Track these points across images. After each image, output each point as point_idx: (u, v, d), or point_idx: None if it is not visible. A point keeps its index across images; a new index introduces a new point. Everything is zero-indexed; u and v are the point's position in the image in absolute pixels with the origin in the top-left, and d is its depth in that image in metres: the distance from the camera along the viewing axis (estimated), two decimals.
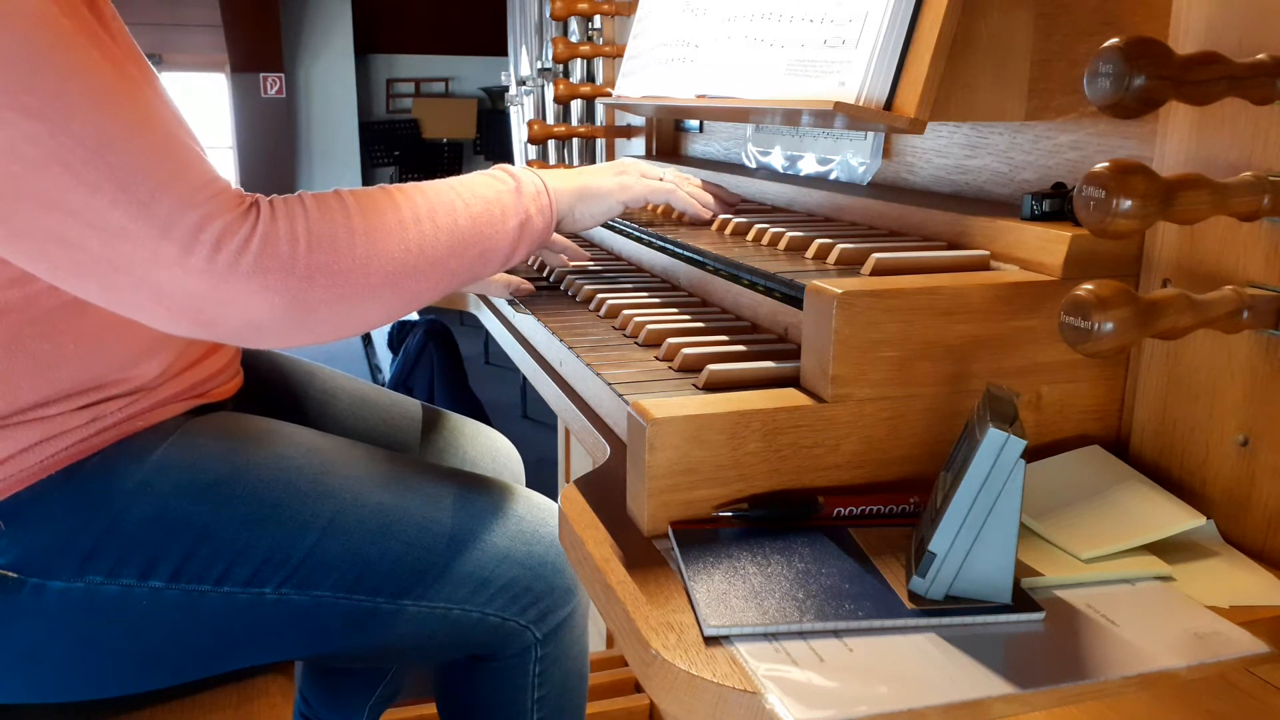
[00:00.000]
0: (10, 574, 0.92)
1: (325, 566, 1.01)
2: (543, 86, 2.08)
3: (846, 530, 0.72)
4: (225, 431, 1.04)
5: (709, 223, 1.20)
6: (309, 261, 0.84)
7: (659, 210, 1.38)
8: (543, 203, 1.02)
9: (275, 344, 0.88)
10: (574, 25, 1.85)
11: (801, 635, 0.60)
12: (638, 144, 1.79)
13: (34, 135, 0.77)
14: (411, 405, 1.40)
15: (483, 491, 1.14)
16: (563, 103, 1.87)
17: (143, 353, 0.99)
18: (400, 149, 8.47)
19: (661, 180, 1.17)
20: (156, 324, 0.85)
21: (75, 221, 0.79)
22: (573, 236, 1.48)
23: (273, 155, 7.88)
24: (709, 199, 1.22)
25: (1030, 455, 0.64)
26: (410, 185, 0.96)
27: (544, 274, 1.36)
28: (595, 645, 2.24)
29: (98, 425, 0.97)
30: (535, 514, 1.15)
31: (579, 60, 1.86)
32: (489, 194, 0.98)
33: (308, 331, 0.87)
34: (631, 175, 1.14)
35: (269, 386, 1.30)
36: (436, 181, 0.98)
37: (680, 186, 1.19)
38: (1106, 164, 0.61)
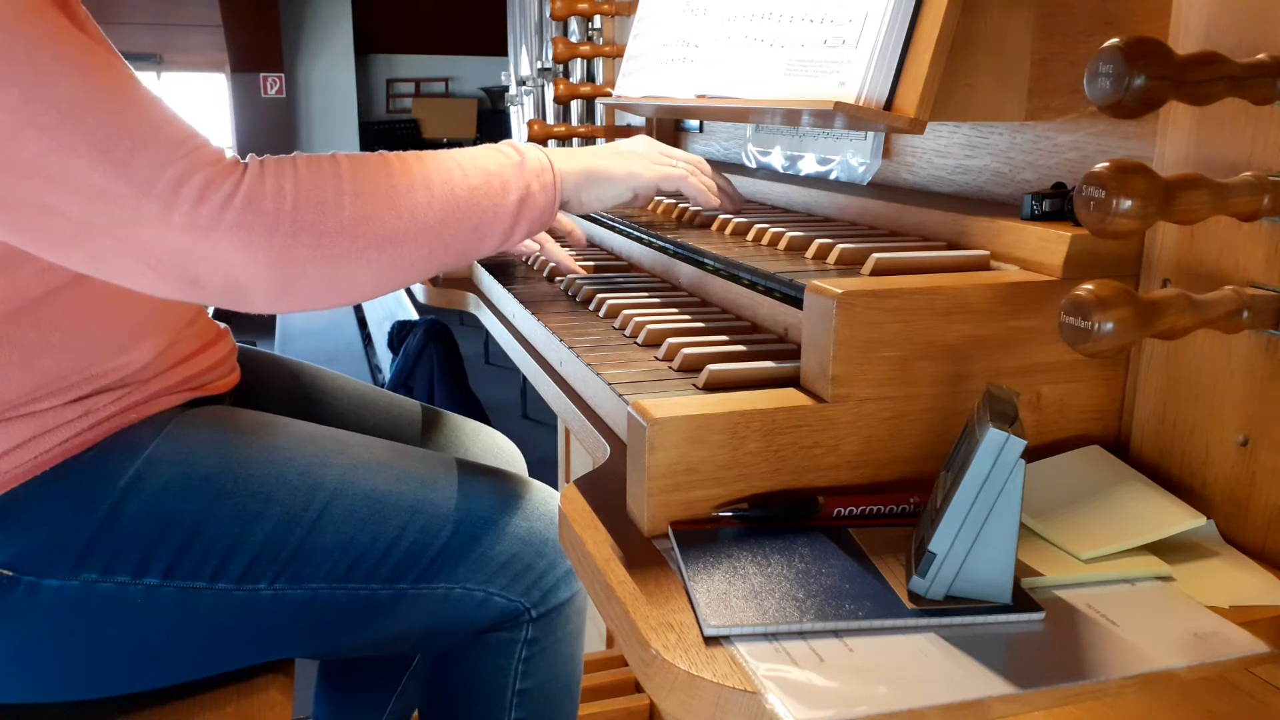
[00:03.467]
0: (5, 572, 0.92)
1: (317, 558, 1.00)
2: (543, 86, 2.08)
3: (846, 530, 0.72)
4: (218, 425, 1.04)
5: (714, 217, 1.19)
6: (294, 220, 0.83)
7: (659, 210, 1.38)
8: (546, 180, 0.99)
9: (263, 306, 0.86)
10: (574, 25, 1.85)
11: (801, 635, 0.60)
12: None
13: (6, 102, 0.77)
14: (411, 406, 1.40)
15: (478, 475, 1.12)
16: (563, 103, 1.87)
17: (130, 340, 0.99)
18: (400, 149, 8.43)
19: (674, 165, 1.12)
20: (144, 287, 0.84)
21: (54, 186, 0.79)
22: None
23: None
24: (721, 186, 1.18)
25: (1030, 455, 0.64)
26: (410, 153, 0.94)
27: (543, 273, 1.36)
28: (595, 645, 2.24)
29: (90, 420, 0.96)
30: (535, 494, 1.14)
31: (579, 60, 1.86)
32: (490, 166, 0.96)
33: (294, 294, 0.86)
34: (642, 161, 1.09)
35: (267, 386, 1.29)
36: (439, 151, 0.96)
37: (693, 173, 1.14)
38: (1106, 164, 0.61)
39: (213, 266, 0.82)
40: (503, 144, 1.01)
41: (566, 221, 1.31)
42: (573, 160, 1.04)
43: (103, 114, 0.79)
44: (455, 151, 0.96)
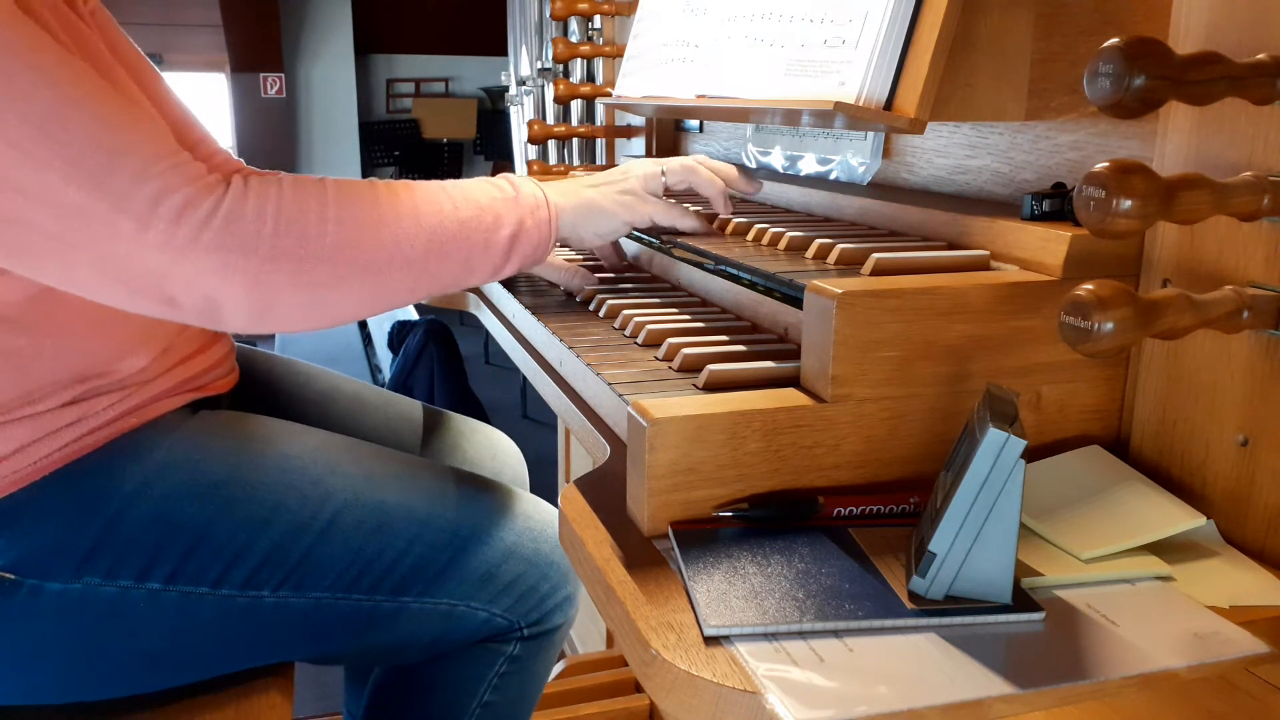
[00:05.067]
0: (7, 575, 0.92)
1: (323, 567, 1.00)
2: (543, 86, 2.09)
3: (846, 530, 0.72)
4: (229, 432, 1.04)
5: (715, 215, 1.17)
6: (273, 244, 0.82)
7: None
8: (541, 216, 0.98)
9: (239, 328, 0.86)
10: (574, 25, 1.85)
11: (801, 635, 0.60)
12: (638, 144, 1.79)
13: None
14: (410, 406, 1.40)
15: (488, 491, 1.13)
16: (563, 103, 1.87)
17: (128, 345, 0.98)
18: (400, 149, 8.47)
19: (670, 204, 1.10)
20: (118, 303, 0.84)
21: (26, 200, 0.77)
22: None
23: (273, 155, 7.87)
24: (719, 202, 1.14)
25: (1030, 455, 0.64)
26: (401, 182, 0.93)
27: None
28: (596, 645, 2.24)
29: (90, 423, 0.96)
30: (542, 514, 1.14)
31: (579, 60, 1.86)
32: (483, 200, 0.95)
33: (271, 317, 0.85)
34: (638, 195, 1.08)
35: (265, 387, 1.29)
36: (432, 182, 0.95)
37: (686, 213, 1.11)
38: (1106, 164, 0.61)
39: (188, 287, 0.81)
40: (498, 177, 1.00)
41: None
42: (569, 194, 1.03)
43: (77, 127, 0.78)
44: (448, 183, 0.96)
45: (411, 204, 0.90)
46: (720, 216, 1.18)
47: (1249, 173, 0.68)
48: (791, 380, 0.78)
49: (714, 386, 0.81)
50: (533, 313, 1.13)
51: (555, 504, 1.15)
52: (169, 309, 0.83)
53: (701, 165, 1.13)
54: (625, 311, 1.05)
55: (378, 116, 8.71)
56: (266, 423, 1.08)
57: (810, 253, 0.96)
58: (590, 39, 1.85)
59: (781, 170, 1.38)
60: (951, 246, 0.92)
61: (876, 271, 0.82)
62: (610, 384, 0.86)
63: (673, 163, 1.13)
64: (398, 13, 8.44)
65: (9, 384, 0.92)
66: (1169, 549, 0.71)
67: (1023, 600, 0.64)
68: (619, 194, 1.07)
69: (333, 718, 1.94)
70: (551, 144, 1.98)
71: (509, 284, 1.31)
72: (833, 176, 1.27)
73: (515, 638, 1.11)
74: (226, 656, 1.04)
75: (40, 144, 0.77)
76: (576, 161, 1.94)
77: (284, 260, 0.82)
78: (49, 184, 0.77)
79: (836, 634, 0.61)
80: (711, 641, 0.59)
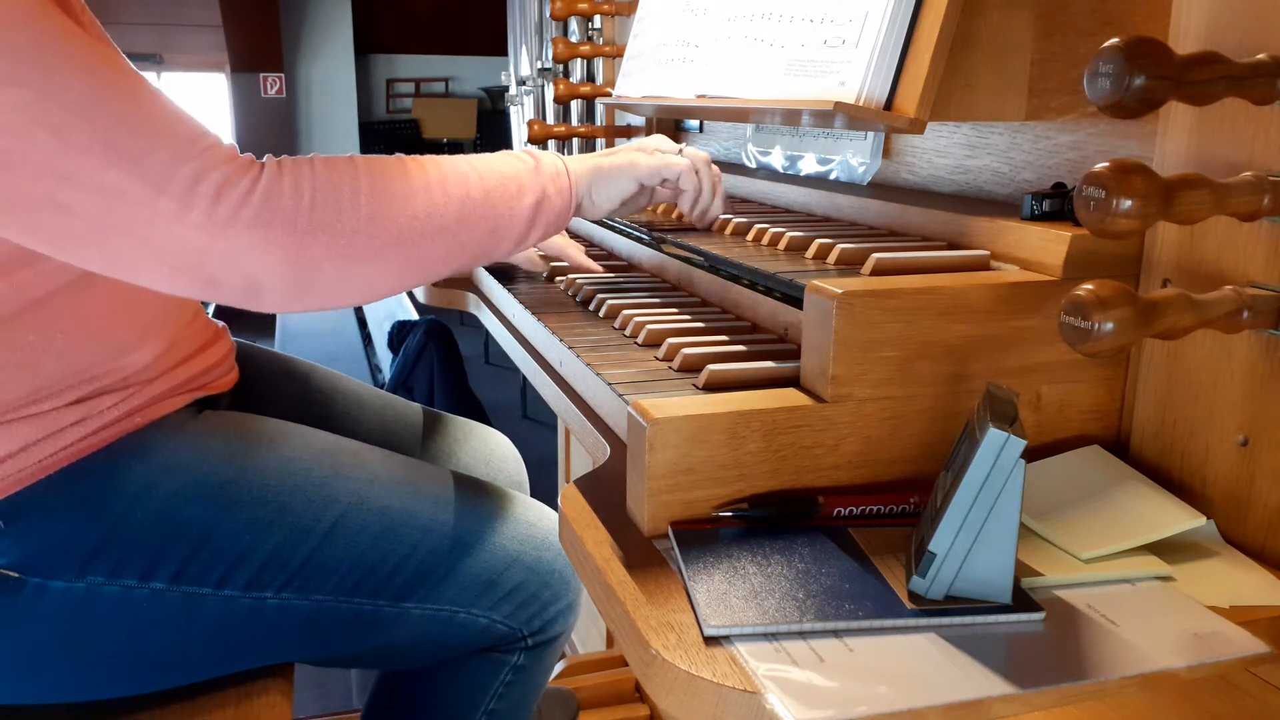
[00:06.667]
0: (11, 574, 0.92)
1: (326, 570, 1.00)
2: (543, 86, 2.09)
3: (846, 530, 0.72)
4: (235, 433, 1.04)
5: (709, 227, 1.17)
6: (311, 218, 0.83)
7: (659, 210, 1.38)
8: (562, 184, 1.00)
9: (279, 305, 0.86)
10: (574, 25, 1.85)
11: (801, 635, 0.60)
12: None
13: (18, 103, 0.76)
14: (408, 408, 1.40)
15: (491, 497, 1.13)
16: (563, 103, 1.87)
17: (132, 342, 0.99)
18: (400, 149, 8.40)
19: (676, 154, 1.10)
20: (161, 286, 0.84)
21: (69, 186, 0.78)
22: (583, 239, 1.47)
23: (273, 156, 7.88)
24: (719, 190, 1.12)
25: (1030, 455, 0.64)
26: (426, 156, 0.95)
27: (544, 274, 1.36)
28: (596, 645, 2.24)
29: (95, 423, 0.96)
30: (545, 521, 1.14)
31: (579, 60, 1.86)
32: (506, 170, 0.97)
33: (310, 292, 0.86)
34: (646, 151, 1.08)
35: (265, 384, 1.29)
36: (456, 156, 0.97)
37: (692, 168, 1.09)
38: (1106, 164, 0.61)
39: (230, 265, 0.82)
40: (518, 150, 1.02)
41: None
42: (582, 162, 1.05)
43: (114, 113, 0.79)
44: (470, 156, 0.97)
45: (439, 175, 0.92)
46: (721, 217, 1.18)
47: (1249, 173, 0.68)
48: (791, 380, 0.78)
49: (714, 386, 0.81)
50: (533, 313, 1.13)
51: (556, 505, 1.16)
52: (210, 289, 0.84)
53: (713, 168, 1.13)
54: (625, 311, 1.05)
55: (378, 116, 8.71)
56: (271, 424, 1.08)
57: (810, 253, 0.96)
58: (590, 39, 1.85)
59: (781, 170, 1.38)
60: (951, 246, 0.92)
61: (876, 271, 0.82)
62: (610, 384, 0.86)
63: (690, 149, 1.12)
64: (398, 13, 8.44)
65: (17, 380, 0.92)
66: (1169, 549, 0.71)
67: (1023, 600, 0.64)
68: (624, 155, 1.07)
69: (333, 717, 1.94)
70: (551, 144, 1.98)
71: (508, 282, 1.31)
72: (833, 176, 1.27)
73: (520, 648, 1.11)
74: (228, 657, 1.04)
75: (80, 130, 0.78)
76: None
77: (321, 234, 0.83)
78: (91, 168, 0.78)
79: (836, 634, 0.61)
80: (711, 641, 0.59)
